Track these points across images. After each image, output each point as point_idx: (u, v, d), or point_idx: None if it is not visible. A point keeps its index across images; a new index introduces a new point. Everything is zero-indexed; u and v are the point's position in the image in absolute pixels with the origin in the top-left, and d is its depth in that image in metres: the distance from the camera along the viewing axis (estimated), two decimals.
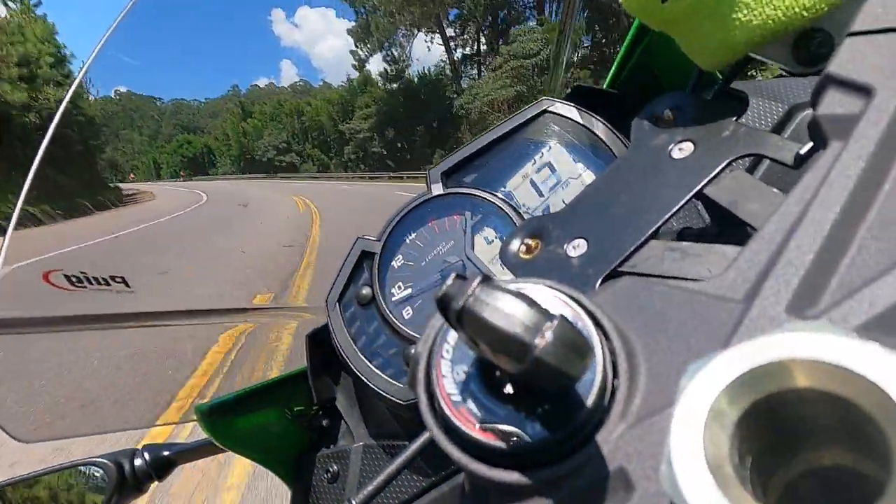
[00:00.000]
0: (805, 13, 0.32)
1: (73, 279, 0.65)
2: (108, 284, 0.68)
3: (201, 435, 0.68)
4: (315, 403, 0.74)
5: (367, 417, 0.73)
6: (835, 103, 0.27)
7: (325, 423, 0.75)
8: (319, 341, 0.74)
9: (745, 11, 0.33)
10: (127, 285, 0.70)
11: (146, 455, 0.74)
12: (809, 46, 0.34)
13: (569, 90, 0.73)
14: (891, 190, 0.22)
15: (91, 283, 0.67)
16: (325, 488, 0.68)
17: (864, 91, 0.26)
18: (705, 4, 0.34)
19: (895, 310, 0.19)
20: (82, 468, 0.74)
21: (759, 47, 0.34)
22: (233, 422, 0.62)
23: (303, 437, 0.74)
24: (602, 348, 0.22)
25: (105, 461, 0.73)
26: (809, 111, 0.29)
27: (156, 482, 0.75)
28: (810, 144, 0.31)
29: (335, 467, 0.68)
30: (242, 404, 0.65)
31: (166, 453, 0.75)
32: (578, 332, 0.20)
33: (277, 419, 0.72)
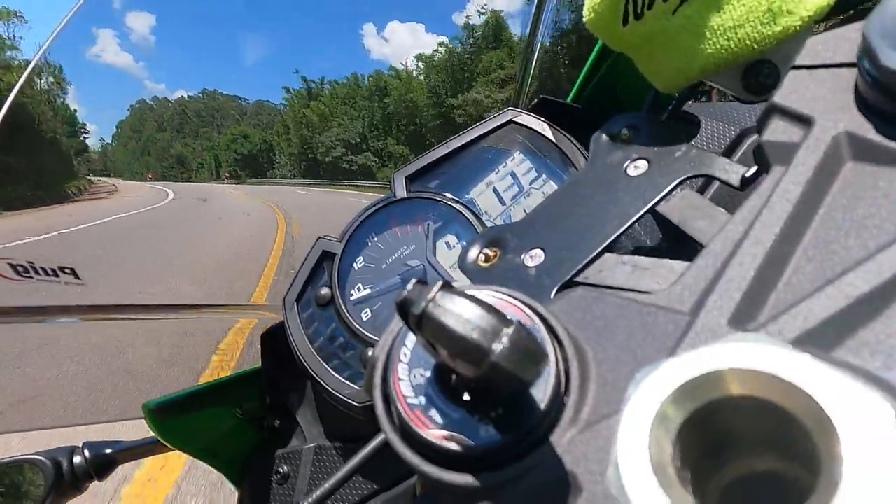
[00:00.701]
0: (755, 46, 0.34)
1: (20, 269, 0.63)
2: (56, 275, 0.65)
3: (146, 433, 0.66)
4: (268, 403, 0.73)
5: (321, 418, 0.72)
6: (778, 131, 0.29)
7: (277, 423, 0.73)
8: (275, 340, 0.73)
9: (701, 41, 0.35)
10: (76, 277, 0.67)
11: (86, 453, 0.71)
12: (758, 76, 0.36)
13: (534, 102, 0.75)
14: (825, 214, 0.24)
15: (38, 274, 0.64)
16: (275, 490, 0.67)
17: (804, 121, 0.28)
18: (663, 32, 0.36)
19: (826, 324, 0.21)
20: (17, 465, 0.71)
21: (712, 75, 0.36)
22: (181, 420, 0.61)
23: (253, 437, 0.72)
24: (555, 355, 0.23)
25: (41, 458, 0.70)
26: (756, 136, 0.31)
27: (95, 481, 0.72)
28: (755, 168, 0.33)
29: (285, 468, 0.67)
30: (192, 402, 0.63)
31: (108, 451, 0.73)
32: (534, 338, 0.20)
33: (228, 418, 0.71)
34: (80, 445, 0.72)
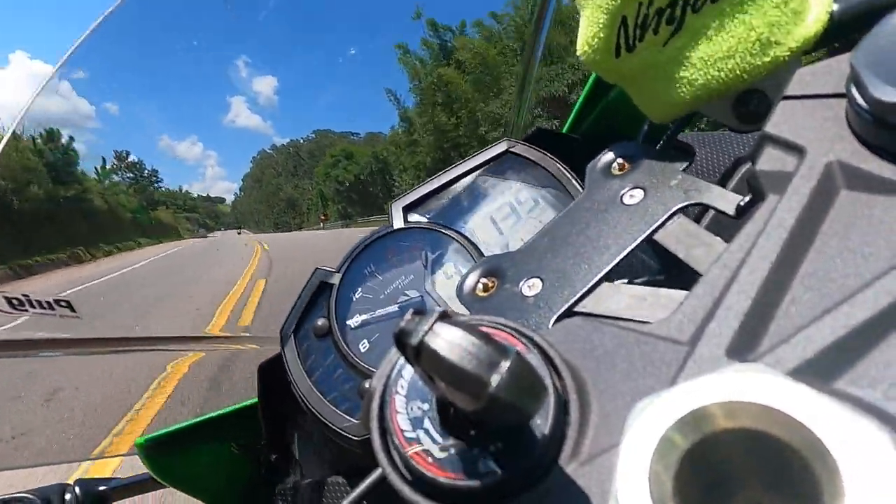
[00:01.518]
0: (745, 76, 0.35)
1: (14, 301, 0.62)
2: (52, 308, 0.65)
3: (139, 469, 0.65)
4: (264, 437, 0.72)
5: (319, 453, 0.71)
6: (771, 160, 0.29)
7: (273, 457, 0.72)
8: (272, 373, 0.73)
9: (692, 72, 0.35)
10: (72, 310, 0.67)
11: (77, 490, 0.70)
12: (749, 106, 0.37)
13: (530, 132, 0.76)
14: (821, 243, 0.24)
15: (34, 307, 0.63)
16: None
17: (797, 150, 0.28)
18: (655, 64, 0.37)
19: (824, 354, 0.21)
20: None
21: (704, 105, 0.37)
22: (175, 456, 0.60)
23: (250, 472, 0.71)
24: (555, 386, 0.22)
25: (31, 496, 0.68)
26: (750, 165, 0.31)
27: None
28: (749, 197, 0.33)
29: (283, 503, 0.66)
30: (186, 437, 0.62)
31: (101, 488, 0.71)
32: (533, 370, 0.20)
33: (223, 453, 0.69)
34: (72, 483, 0.70)
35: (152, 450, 0.57)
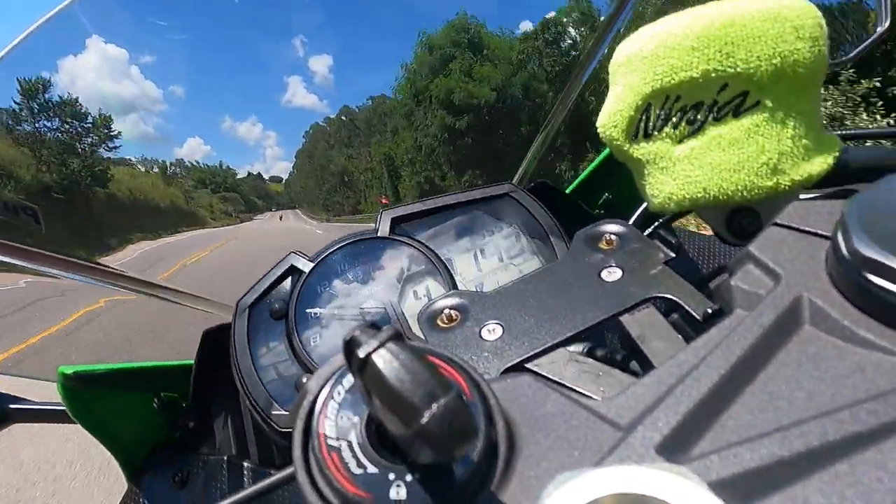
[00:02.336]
0: (746, 193, 0.36)
1: None
2: (15, 213, 0.63)
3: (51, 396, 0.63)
4: (189, 402, 0.70)
5: (238, 432, 0.69)
6: (747, 278, 0.30)
7: (192, 424, 0.70)
8: (215, 340, 0.71)
9: (698, 174, 0.37)
10: (37, 221, 0.65)
11: None
12: (741, 221, 0.38)
13: (533, 184, 0.77)
14: (772, 369, 0.25)
15: None
16: (168, 493, 0.63)
17: (773, 275, 0.29)
18: (666, 156, 0.38)
19: (750, 476, 0.21)
20: None
21: (701, 208, 0.38)
22: (95, 395, 0.58)
23: (163, 433, 0.69)
24: (487, 435, 0.23)
25: None
26: (727, 276, 0.32)
27: None
28: (719, 306, 0.34)
29: (187, 473, 0.64)
30: (111, 379, 0.60)
31: (10, 406, 0.68)
32: (468, 413, 0.20)
33: (142, 406, 0.67)
34: None
35: (73, 381, 0.55)
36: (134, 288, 0.79)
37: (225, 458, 0.65)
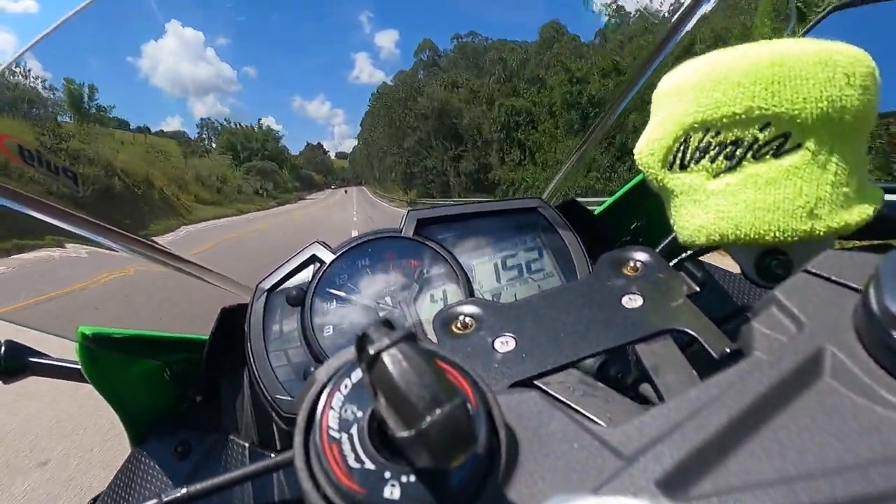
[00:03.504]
0: (779, 234, 0.35)
1: (27, 153, 0.62)
2: (56, 173, 0.65)
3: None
4: (200, 376, 0.71)
5: (242, 412, 0.70)
6: (771, 322, 0.29)
7: (199, 398, 0.71)
8: (232, 319, 0.72)
9: (732, 211, 0.36)
10: (76, 184, 0.67)
11: (2, 349, 0.69)
12: (770, 263, 0.38)
13: (563, 201, 0.77)
14: (786, 418, 0.25)
15: (41, 165, 0.63)
16: (168, 462, 0.65)
17: (797, 322, 0.29)
18: (701, 189, 0.37)
19: None
20: None
21: (731, 245, 0.37)
22: (109, 358, 0.59)
23: (170, 403, 0.70)
24: (488, 447, 0.22)
25: None
26: (750, 316, 0.32)
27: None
28: (737, 347, 0.34)
29: (189, 446, 0.65)
30: (127, 344, 0.62)
31: (30, 359, 0.70)
32: (471, 423, 0.20)
33: (155, 375, 0.69)
34: (3, 341, 0.69)
35: (91, 342, 0.56)
36: (161, 259, 0.80)
37: (227, 436, 0.66)
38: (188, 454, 0.65)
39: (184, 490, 0.42)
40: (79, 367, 0.57)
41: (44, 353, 0.72)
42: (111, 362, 0.59)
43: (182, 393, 0.71)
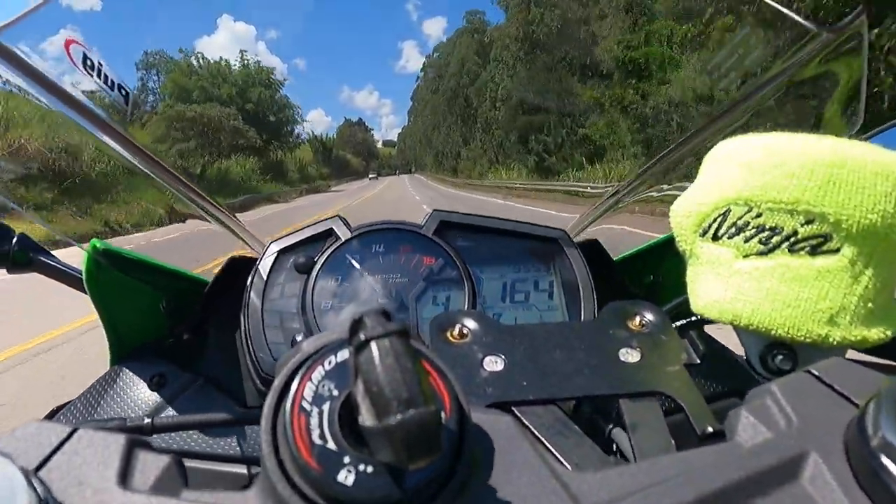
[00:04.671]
0: (792, 332, 0.35)
1: (89, 62, 0.64)
2: (110, 87, 0.66)
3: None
4: (194, 315, 0.72)
5: (224, 363, 0.71)
6: (761, 413, 0.29)
7: (186, 336, 0.72)
8: (237, 269, 0.73)
9: (751, 295, 0.36)
10: (126, 103, 0.68)
11: (15, 242, 0.70)
12: (775, 356, 0.37)
13: (587, 240, 0.77)
14: None
15: (98, 76, 0.64)
16: (142, 389, 0.65)
17: (788, 420, 0.28)
18: (725, 265, 0.37)
19: None
20: None
21: (741, 328, 0.37)
22: (113, 275, 0.60)
23: (158, 333, 0.71)
24: (448, 460, 0.22)
25: None
26: (740, 402, 0.31)
27: (3, 269, 0.71)
28: (721, 428, 0.33)
29: (165, 379, 0.66)
30: (134, 267, 0.63)
31: (38, 256, 0.71)
32: (438, 432, 0.20)
33: (151, 302, 0.70)
34: (17, 233, 0.71)
35: (100, 255, 0.57)
36: (187, 193, 0.81)
37: (203, 379, 0.66)
38: (162, 386, 0.65)
39: (148, 420, 0.43)
40: (81, 276, 0.58)
41: (50, 252, 0.73)
42: (113, 280, 0.60)
43: (172, 327, 0.72)
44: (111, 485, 0.23)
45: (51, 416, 0.65)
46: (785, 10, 0.62)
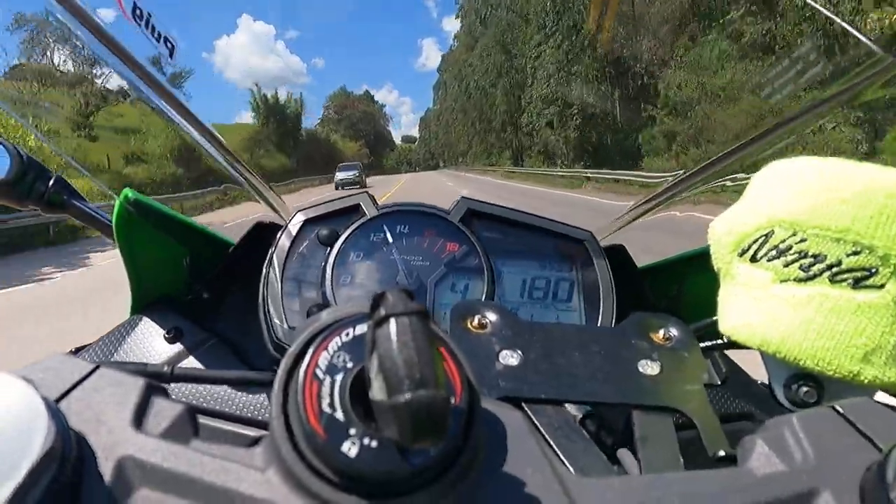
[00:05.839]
0: (824, 364, 0.33)
1: (138, 11, 0.64)
2: (157, 40, 0.66)
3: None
4: (216, 274, 0.73)
5: (240, 326, 0.72)
6: (777, 443, 0.28)
7: (206, 294, 0.73)
8: (262, 234, 0.74)
9: (785, 322, 0.34)
10: (171, 56, 0.68)
11: (51, 183, 0.71)
12: (801, 388, 0.36)
13: (612, 245, 0.76)
14: None
15: (145, 27, 0.65)
16: (159, 339, 0.67)
17: (804, 455, 0.27)
18: (761, 286, 0.35)
19: None
20: None
21: (769, 353, 0.35)
22: (142, 225, 0.61)
23: (178, 288, 0.72)
24: (452, 445, 0.22)
25: (11, 146, 0.68)
26: (756, 427, 0.30)
27: (38, 209, 0.72)
28: (734, 453, 0.32)
29: (181, 333, 0.67)
30: (163, 220, 0.63)
31: (72, 201, 0.72)
32: (446, 418, 0.20)
33: (175, 257, 0.70)
34: (55, 174, 0.72)
35: (131, 205, 0.58)
36: (223, 154, 0.82)
37: (217, 338, 0.67)
38: (178, 340, 0.66)
39: (167, 368, 0.44)
40: (111, 224, 0.59)
41: (84, 198, 0.74)
42: (142, 230, 0.61)
43: (192, 284, 0.73)
44: (126, 424, 0.24)
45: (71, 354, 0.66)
46: (854, 31, 0.59)
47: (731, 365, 0.41)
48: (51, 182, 0.71)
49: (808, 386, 0.36)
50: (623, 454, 0.36)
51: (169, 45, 0.68)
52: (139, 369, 0.44)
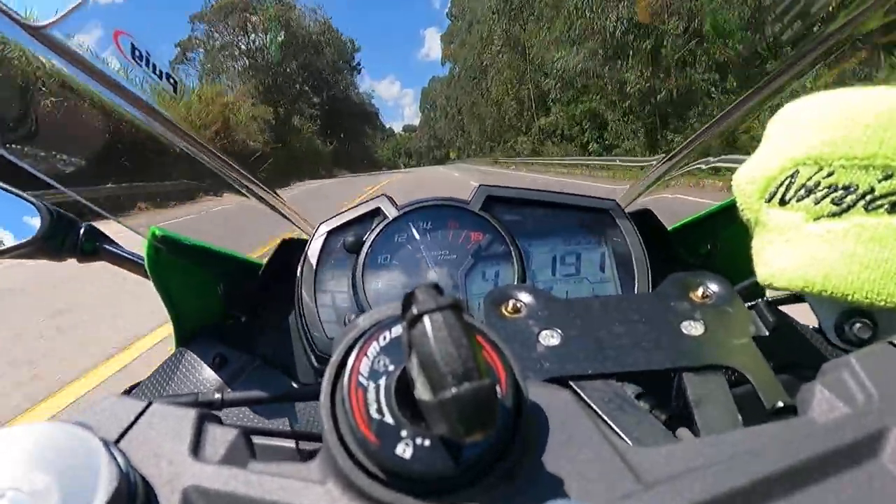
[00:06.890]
0: (873, 295, 0.32)
1: (137, 52, 0.65)
2: (159, 76, 0.67)
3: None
4: (249, 296, 0.74)
5: (279, 344, 0.73)
6: (837, 387, 0.27)
7: (243, 318, 0.75)
8: (289, 251, 0.75)
9: (827, 260, 0.33)
10: (175, 91, 0.70)
11: (82, 231, 0.73)
12: (854, 325, 0.34)
13: (638, 209, 0.74)
14: (828, 491, 0.23)
15: (146, 66, 0.66)
16: (206, 368, 0.68)
17: (867, 395, 0.26)
18: (796, 228, 0.34)
19: None
20: (15, 196, 0.71)
21: (814, 295, 0.34)
22: (173, 260, 0.62)
23: (216, 316, 0.74)
24: (504, 433, 0.22)
25: (41, 203, 0.70)
26: (811, 374, 0.29)
27: (74, 259, 0.74)
28: (793, 403, 0.32)
29: (225, 359, 0.68)
30: (192, 252, 0.65)
31: (104, 246, 0.74)
32: (493, 406, 0.20)
33: (209, 286, 0.72)
34: (83, 224, 0.74)
35: (160, 242, 0.59)
36: (241, 181, 0.83)
37: (260, 359, 0.69)
38: (224, 366, 0.68)
39: (218, 395, 0.45)
40: (144, 262, 0.61)
41: (115, 241, 0.76)
42: (173, 265, 0.63)
43: (229, 310, 0.74)
44: (184, 456, 0.24)
45: (124, 395, 0.68)
46: None
47: (777, 314, 0.40)
48: (81, 231, 0.73)
49: (860, 322, 0.34)
50: (679, 420, 0.35)
51: (171, 81, 0.69)
52: (190, 400, 0.46)
